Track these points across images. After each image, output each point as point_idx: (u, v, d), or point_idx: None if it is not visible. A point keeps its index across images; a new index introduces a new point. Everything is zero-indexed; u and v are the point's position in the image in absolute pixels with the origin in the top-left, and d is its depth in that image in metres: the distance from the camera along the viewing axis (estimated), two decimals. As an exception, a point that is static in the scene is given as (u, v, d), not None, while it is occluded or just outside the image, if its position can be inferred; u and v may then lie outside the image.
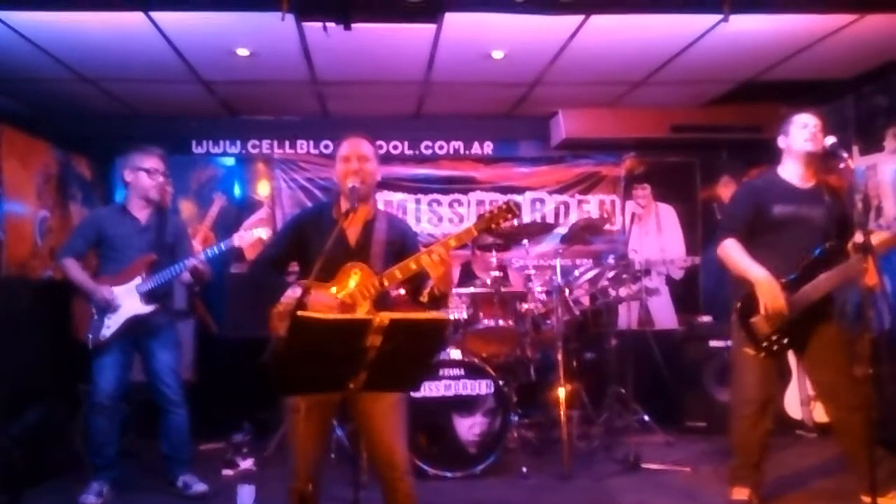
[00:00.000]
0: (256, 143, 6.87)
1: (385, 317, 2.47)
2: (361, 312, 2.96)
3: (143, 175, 4.26)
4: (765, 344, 3.73)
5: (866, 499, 3.56)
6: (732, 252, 3.80)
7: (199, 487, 4.24)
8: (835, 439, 3.96)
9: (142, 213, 4.31)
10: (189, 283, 4.52)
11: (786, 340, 3.73)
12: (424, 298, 3.08)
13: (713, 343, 5.68)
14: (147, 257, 4.21)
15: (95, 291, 4.12)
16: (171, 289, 4.42)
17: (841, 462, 4.40)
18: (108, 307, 4.13)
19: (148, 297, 4.18)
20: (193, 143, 6.83)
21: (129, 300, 4.16)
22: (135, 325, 4.18)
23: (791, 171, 3.83)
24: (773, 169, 3.91)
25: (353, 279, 3.05)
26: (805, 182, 3.81)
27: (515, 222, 3.21)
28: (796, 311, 3.68)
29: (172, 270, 4.20)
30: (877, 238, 3.54)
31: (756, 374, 3.82)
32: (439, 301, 3.08)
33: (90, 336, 4.14)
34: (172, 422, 4.28)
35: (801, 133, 3.75)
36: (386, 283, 3.01)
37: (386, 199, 6.81)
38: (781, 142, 3.85)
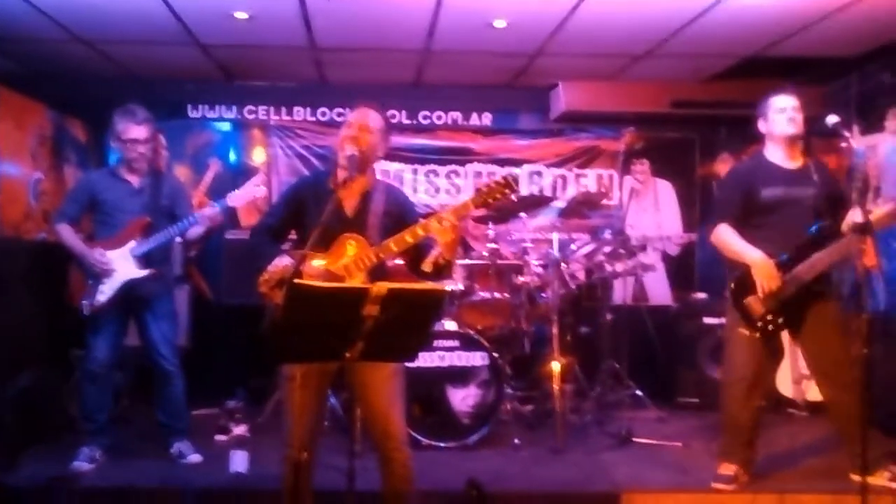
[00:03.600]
0: (253, 108, 6.79)
1: (383, 286, 2.46)
2: (355, 283, 2.93)
3: (124, 146, 4.19)
4: (759, 324, 3.74)
5: (856, 477, 3.59)
6: (726, 237, 3.80)
7: (194, 457, 4.23)
8: (828, 418, 4.00)
9: (134, 177, 4.23)
10: (198, 238, 4.43)
11: (781, 320, 3.75)
12: (428, 267, 3.04)
13: (707, 320, 5.69)
14: (141, 220, 4.14)
15: (87, 255, 4.07)
16: (169, 254, 4.37)
17: (831, 441, 4.43)
18: (101, 272, 4.07)
19: (143, 260, 4.12)
20: (189, 107, 6.74)
21: (123, 265, 4.09)
22: (130, 291, 4.12)
23: (775, 153, 3.83)
24: (759, 151, 3.91)
25: (349, 250, 3.02)
26: (792, 162, 3.81)
27: (514, 197, 3.14)
28: (791, 291, 3.69)
29: (170, 231, 4.13)
30: (876, 214, 3.53)
31: (748, 354, 3.84)
32: (443, 270, 3.06)
33: (85, 303, 4.09)
34: (169, 392, 4.26)
35: (780, 117, 3.75)
36: (382, 256, 2.99)
37: (382, 169, 6.76)
38: (761, 126, 3.85)
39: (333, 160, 3.22)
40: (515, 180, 2.95)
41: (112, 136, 4.25)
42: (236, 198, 4.18)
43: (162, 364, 4.22)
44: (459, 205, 2.95)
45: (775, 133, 3.79)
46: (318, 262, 2.99)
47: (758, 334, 3.76)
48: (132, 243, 4.12)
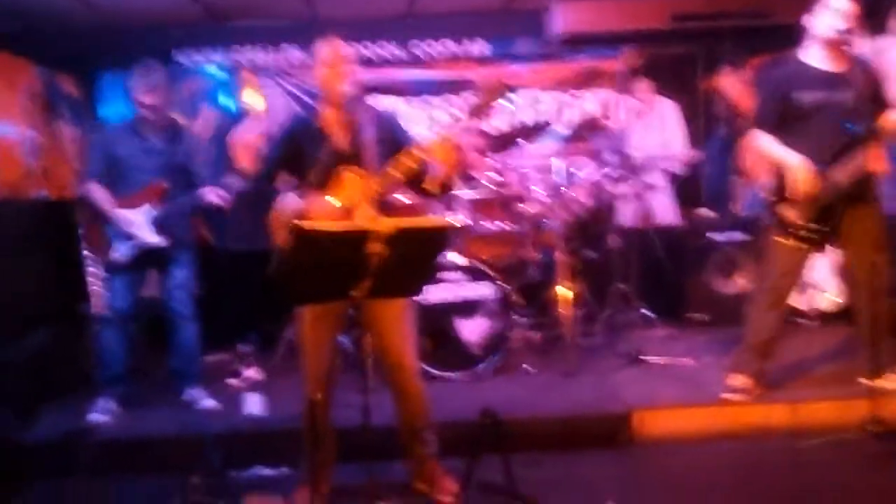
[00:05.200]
0: (243, 50, 6.67)
1: (388, 224, 2.45)
2: (363, 217, 2.93)
3: (138, 105, 4.11)
4: (795, 231, 3.69)
5: (865, 381, 3.62)
6: (764, 143, 3.73)
7: (207, 402, 4.27)
8: (853, 322, 3.96)
9: (151, 133, 4.17)
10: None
11: (821, 229, 3.68)
12: (432, 187, 3.04)
13: (715, 236, 5.66)
14: (158, 186, 4.12)
15: (112, 215, 4.07)
16: (187, 215, 4.33)
17: (841, 349, 4.47)
18: (122, 232, 4.09)
19: (160, 227, 4.12)
20: (179, 53, 6.63)
21: (140, 227, 4.10)
22: (148, 253, 4.14)
23: (816, 56, 3.68)
24: (796, 54, 3.75)
25: (350, 184, 3.01)
26: (833, 66, 3.66)
27: (508, 101, 3.12)
28: (829, 197, 3.62)
29: (185, 200, 4.13)
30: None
31: (784, 264, 3.81)
32: (447, 188, 3.09)
33: (104, 257, 4.13)
34: (182, 335, 4.30)
35: (830, 17, 3.57)
36: (387, 184, 2.97)
37: (378, 104, 6.65)
38: (806, 21, 3.67)
39: (316, 101, 3.20)
40: (506, 84, 2.93)
41: (129, 91, 4.16)
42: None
43: (176, 307, 4.26)
44: (457, 120, 2.96)
45: (819, 32, 3.63)
46: (324, 204, 2.98)
47: (792, 241, 3.71)
48: (149, 208, 4.11)
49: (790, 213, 3.70)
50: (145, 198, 4.12)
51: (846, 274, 4.03)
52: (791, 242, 3.73)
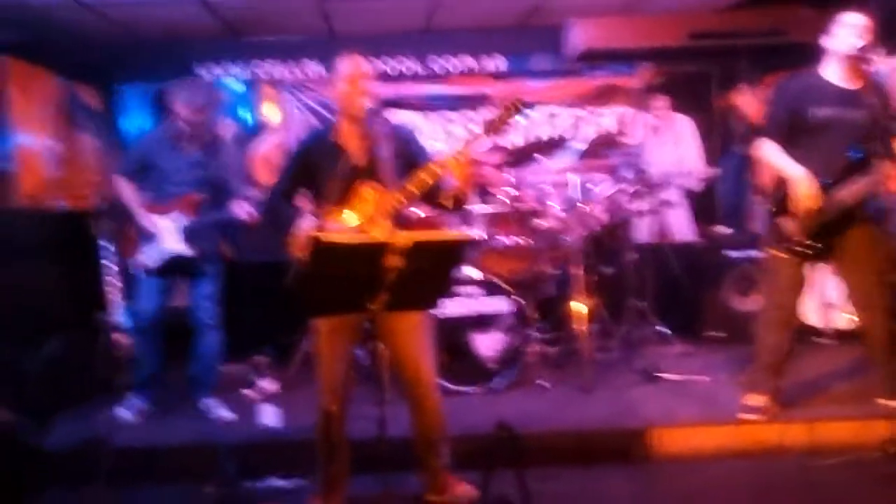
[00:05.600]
0: (262, 65, 6.74)
1: (406, 238, 2.46)
2: (381, 232, 2.94)
3: (183, 119, 4.14)
4: (793, 246, 3.69)
5: (883, 402, 3.58)
6: (769, 153, 3.73)
7: (222, 412, 4.29)
8: (862, 344, 3.96)
9: (192, 146, 4.20)
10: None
11: (817, 244, 3.68)
12: (447, 202, 3.06)
13: (731, 253, 5.63)
14: (191, 197, 4.17)
15: (141, 217, 4.13)
16: (216, 229, 4.36)
17: (858, 368, 4.42)
18: (151, 237, 4.14)
19: (189, 238, 4.17)
20: (198, 67, 6.70)
21: (169, 235, 4.15)
22: (174, 261, 4.18)
23: (833, 72, 3.69)
24: (813, 69, 3.76)
25: (367, 198, 3.02)
26: (848, 83, 3.67)
27: (524, 117, 3.14)
28: (830, 214, 3.62)
29: (216, 215, 4.17)
30: None
31: (785, 280, 3.80)
32: (461, 203, 3.10)
33: (134, 261, 4.19)
34: (204, 343, 4.33)
35: (844, 32, 3.58)
36: (404, 200, 2.99)
37: (397, 120, 6.69)
38: (824, 41, 3.69)
39: (334, 114, 3.22)
40: (522, 102, 2.93)
41: (173, 104, 4.18)
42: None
43: (200, 316, 4.30)
44: (472, 136, 2.96)
45: (835, 49, 3.64)
46: (342, 219, 3.00)
47: (792, 257, 3.71)
48: (182, 217, 4.16)
49: (789, 226, 3.70)
50: (178, 207, 4.16)
51: (849, 294, 4.01)
52: (787, 256, 3.73)
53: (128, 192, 4.19)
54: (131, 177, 4.23)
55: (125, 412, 4.22)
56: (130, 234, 4.23)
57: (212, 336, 4.34)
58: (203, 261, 4.26)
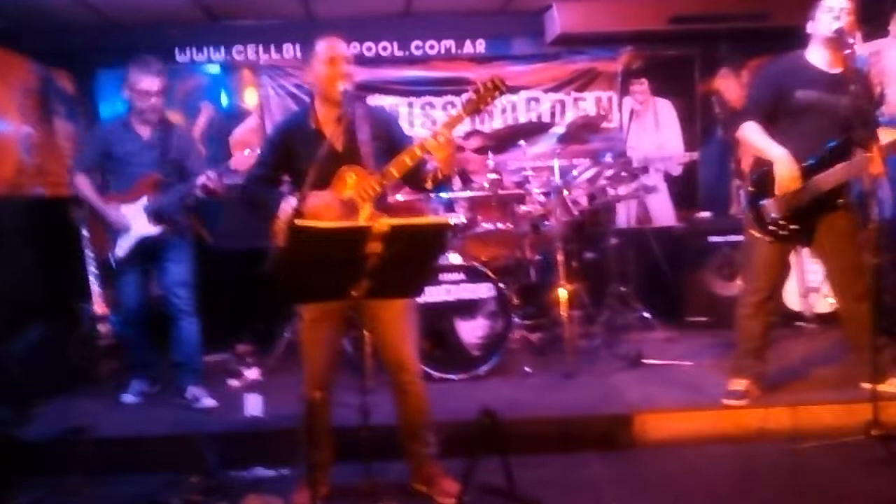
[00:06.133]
0: (241, 49, 6.64)
1: (385, 223, 2.43)
2: (363, 215, 2.92)
3: (136, 96, 4.18)
4: (772, 227, 3.71)
5: (866, 386, 3.61)
6: (752, 134, 3.73)
7: (208, 402, 4.26)
8: (841, 327, 4.00)
9: (145, 129, 4.25)
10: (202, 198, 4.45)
11: (793, 227, 3.70)
12: (429, 184, 3.06)
13: (713, 238, 5.65)
14: (152, 177, 4.18)
15: (105, 211, 4.17)
16: (183, 205, 4.34)
17: (841, 352, 4.45)
18: (119, 228, 4.17)
19: (155, 217, 4.18)
20: (177, 51, 6.59)
21: (138, 220, 4.17)
22: (146, 245, 4.21)
23: (817, 56, 3.70)
24: (799, 52, 3.77)
25: (350, 182, 2.99)
26: (832, 67, 3.68)
27: (502, 99, 3.12)
28: (808, 198, 3.64)
29: (180, 189, 4.16)
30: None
31: (765, 263, 3.83)
32: (443, 183, 3.11)
33: (109, 255, 4.22)
34: (183, 330, 4.32)
35: (826, 16, 3.61)
36: (384, 182, 2.96)
37: (377, 104, 6.64)
38: (809, 27, 3.71)
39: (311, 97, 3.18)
40: (502, 81, 2.90)
41: (125, 85, 4.23)
42: (238, 161, 4.06)
43: (176, 303, 4.29)
44: (453, 116, 2.94)
45: (819, 33, 3.66)
46: (323, 204, 2.97)
47: (769, 238, 3.73)
48: (144, 199, 4.18)
49: (769, 207, 3.71)
50: (140, 191, 4.18)
51: (828, 279, 4.04)
52: (766, 237, 3.75)
53: (87, 188, 4.24)
54: (92, 170, 4.29)
55: (130, 397, 4.34)
56: (100, 230, 4.24)
57: (189, 323, 4.32)
58: (172, 238, 4.27)
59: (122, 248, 4.19)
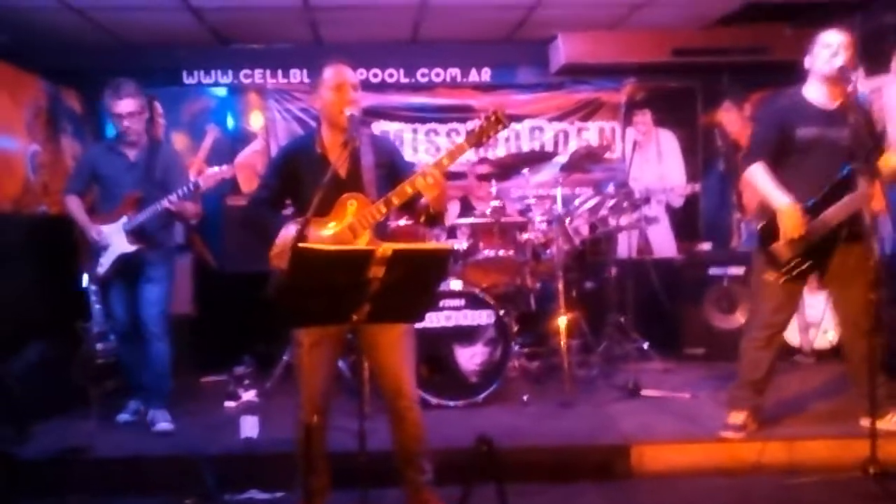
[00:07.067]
0: (249, 72, 6.71)
1: (388, 248, 2.45)
2: (362, 243, 2.94)
3: (112, 120, 4.25)
4: (785, 269, 3.70)
5: (865, 421, 3.60)
6: (758, 178, 3.73)
7: (164, 426, 4.22)
8: (843, 361, 3.98)
9: (130, 150, 4.29)
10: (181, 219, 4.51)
11: (808, 264, 3.69)
12: (422, 219, 3.08)
13: (713, 270, 5.67)
14: (132, 195, 4.21)
15: (87, 230, 4.21)
16: (165, 224, 4.37)
17: (838, 387, 4.45)
18: (98, 247, 4.20)
19: (134, 235, 4.19)
20: (185, 73, 6.65)
21: (116, 239, 4.20)
22: (125, 263, 4.23)
23: (816, 92, 3.73)
24: (797, 89, 3.80)
25: (351, 210, 3.01)
26: (831, 102, 3.70)
27: (505, 133, 3.15)
28: (817, 236, 3.64)
29: (154, 207, 4.17)
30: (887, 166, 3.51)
31: (776, 302, 3.82)
32: (435, 219, 3.09)
33: (89, 274, 4.24)
34: (152, 352, 4.32)
35: (824, 52, 3.63)
36: (384, 211, 2.98)
37: (382, 130, 6.70)
38: (807, 62, 3.73)
39: (318, 123, 3.20)
40: (504, 114, 2.93)
41: (105, 109, 4.32)
42: (205, 179, 4.21)
43: (147, 324, 4.29)
44: (454, 148, 2.95)
45: (816, 69, 3.68)
46: (324, 229, 2.99)
47: (783, 279, 3.72)
48: (124, 218, 4.21)
49: (778, 249, 3.72)
50: (122, 210, 4.22)
51: (835, 312, 4.04)
52: (780, 279, 3.74)
53: (75, 208, 4.30)
54: (82, 193, 4.37)
55: (125, 416, 4.35)
56: (86, 248, 4.27)
57: (160, 347, 4.32)
58: (150, 256, 4.27)
59: (103, 265, 4.23)
